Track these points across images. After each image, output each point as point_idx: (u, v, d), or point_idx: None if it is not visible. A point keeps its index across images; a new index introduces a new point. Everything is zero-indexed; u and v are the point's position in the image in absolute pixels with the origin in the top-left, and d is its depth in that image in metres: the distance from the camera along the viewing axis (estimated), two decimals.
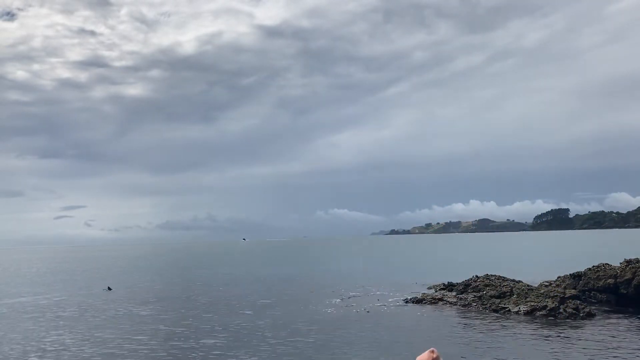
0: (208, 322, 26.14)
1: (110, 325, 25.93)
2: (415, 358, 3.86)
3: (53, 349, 20.75)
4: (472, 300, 29.22)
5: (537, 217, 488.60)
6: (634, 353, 17.72)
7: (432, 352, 3.72)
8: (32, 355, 19.75)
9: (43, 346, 21.25)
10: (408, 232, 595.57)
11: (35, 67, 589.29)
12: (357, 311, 28.26)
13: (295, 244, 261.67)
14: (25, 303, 36.02)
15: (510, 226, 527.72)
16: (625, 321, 23.45)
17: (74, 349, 20.61)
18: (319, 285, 42.06)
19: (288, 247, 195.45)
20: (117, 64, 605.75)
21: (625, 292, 27.52)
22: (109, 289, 43.49)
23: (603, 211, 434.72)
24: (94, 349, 20.40)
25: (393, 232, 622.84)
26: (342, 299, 33.13)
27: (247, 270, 65.58)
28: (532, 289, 28.50)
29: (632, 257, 29.37)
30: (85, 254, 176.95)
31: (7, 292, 44.13)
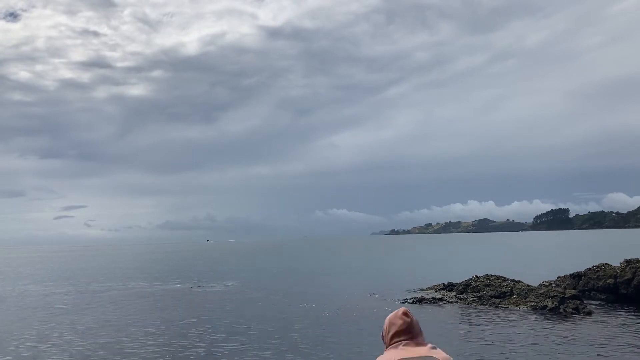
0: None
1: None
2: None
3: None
4: (472, 300, 29.23)
5: (537, 217, 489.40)
6: (634, 353, 17.70)
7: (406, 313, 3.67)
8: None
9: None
10: (408, 232, 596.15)
11: (38, 67, 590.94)
12: (356, 311, 28.23)
13: (290, 243, 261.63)
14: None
15: (510, 226, 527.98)
16: (626, 321, 23.42)
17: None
18: (317, 286, 42.04)
19: (285, 247, 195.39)
20: (119, 64, 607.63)
21: (625, 292, 27.51)
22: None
23: (603, 211, 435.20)
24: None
25: (393, 232, 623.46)
26: (340, 299, 33.09)
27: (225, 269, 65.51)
28: (532, 289, 28.48)
29: (632, 257, 29.36)
30: (91, 253, 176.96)
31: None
